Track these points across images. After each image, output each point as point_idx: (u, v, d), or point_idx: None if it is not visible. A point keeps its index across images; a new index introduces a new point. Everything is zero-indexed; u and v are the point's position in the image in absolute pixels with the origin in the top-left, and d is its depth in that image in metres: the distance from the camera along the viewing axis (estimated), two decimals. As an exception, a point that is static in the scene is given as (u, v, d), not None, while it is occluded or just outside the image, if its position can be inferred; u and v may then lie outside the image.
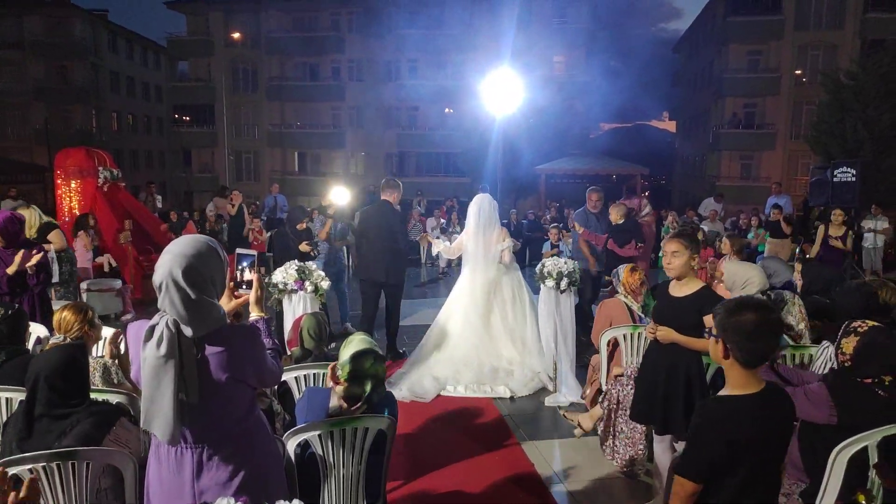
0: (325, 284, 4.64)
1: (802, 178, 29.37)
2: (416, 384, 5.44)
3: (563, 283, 5.06)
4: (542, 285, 5.23)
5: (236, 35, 34.82)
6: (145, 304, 9.33)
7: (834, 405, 2.63)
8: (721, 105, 31.99)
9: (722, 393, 2.06)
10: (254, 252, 2.30)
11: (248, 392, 2.02)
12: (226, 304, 2.17)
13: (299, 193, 33.77)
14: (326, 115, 35.76)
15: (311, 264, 4.74)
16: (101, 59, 38.96)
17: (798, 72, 30.41)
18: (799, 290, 4.31)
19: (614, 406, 3.99)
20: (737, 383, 2.00)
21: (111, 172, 10.71)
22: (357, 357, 2.55)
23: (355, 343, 2.63)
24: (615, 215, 6.90)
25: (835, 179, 9.65)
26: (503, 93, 16.54)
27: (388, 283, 6.25)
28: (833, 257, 8.68)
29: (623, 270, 4.33)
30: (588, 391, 4.48)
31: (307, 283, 4.51)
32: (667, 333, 3.25)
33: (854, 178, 9.38)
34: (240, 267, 2.26)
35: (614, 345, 4.23)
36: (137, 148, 43.08)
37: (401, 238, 6.35)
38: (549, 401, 5.18)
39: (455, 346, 5.78)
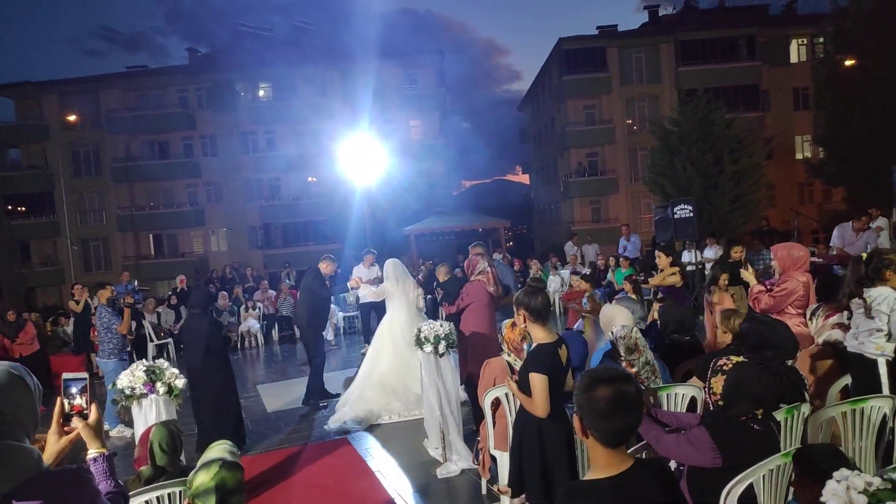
0: (181, 383, 4.16)
1: (646, 215, 32.12)
2: (354, 414, 6.51)
3: (442, 347, 4.96)
4: (420, 352, 5.07)
5: (73, 118, 32.63)
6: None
7: (716, 447, 2.65)
8: (566, 156, 34.38)
9: (586, 476, 1.89)
10: (84, 375, 1.93)
11: None
12: (54, 443, 1.80)
13: (157, 278, 31.65)
14: (181, 194, 34.15)
15: (163, 362, 4.25)
16: None
17: (629, 121, 33.57)
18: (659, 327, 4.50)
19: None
20: (598, 464, 1.83)
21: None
22: (200, 471, 2.23)
23: (205, 457, 2.32)
24: (440, 275, 7.14)
25: (675, 216, 10.52)
26: (363, 158, 16.71)
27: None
28: (675, 294, 9.30)
29: (504, 327, 4.28)
30: (481, 456, 4.31)
31: (158, 385, 4.03)
32: (511, 385, 3.34)
33: (691, 214, 10.27)
34: (68, 394, 1.88)
35: (498, 405, 4.14)
36: (-38, 245, 38.60)
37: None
38: (440, 472, 4.97)
39: (386, 376, 6.80)
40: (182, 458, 3.18)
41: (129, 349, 7.45)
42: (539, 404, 3.05)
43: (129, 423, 5.71)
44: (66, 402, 1.85)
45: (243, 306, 13.41)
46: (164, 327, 12.48)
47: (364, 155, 16.67)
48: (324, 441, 6.27)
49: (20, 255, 35.28)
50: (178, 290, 13.54)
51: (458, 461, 4.98)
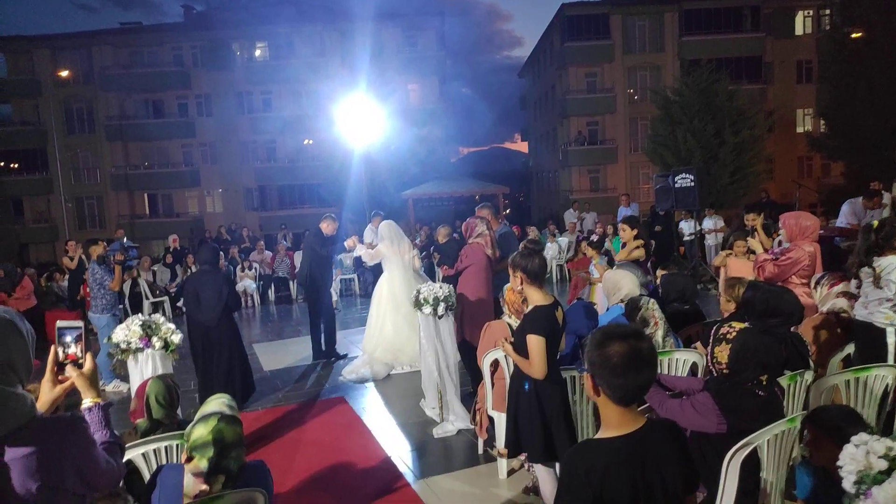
0: (177, 338, 4.11)
1: (644, 185, 32.04)
2: (368, 371, 6.85)
3: (441, 308, 4.91)
4: (419, 313, 5.03)
5: (65, 74, 32.01)
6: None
7: (721, 413, 2.63)
8: (566, 124, 34.06)
9: (598, 434, 1.82)
10: (79, 323, 1.86)
11: (74, 502, 1.61)
12: (48, 392, 1.74)
13: (151, 237, 31.47)
14: (176, 153, 33.76)
15: (159, 317, 4.20)
16: None
17: (630, 91, 33.18)
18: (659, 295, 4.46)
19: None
20: (611, 422, 1.77)
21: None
22: (198, 424, 2.18)
23: (203, 410, 2.27)
24: (440, 236, 7.11)
25: (676, 185, 10.43)
26: (361, 120, 16.47)
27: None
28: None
29: (506, 289, 4.22)
30: (478, 417, 4.30)
31: (154, 339, 3.97)
32: (506, 347, 3.30)
33: (693, 183, 10.18)
34: (62, 342, 1.81)
35: (497, 366, 4.11)
36: (-47, 200, 38.28)
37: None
38: (437, 432, 4.97)
39: (392, 341, 7.03)
40: (178, 412, 3.14)
41: (121, 305, 7.38)
42: (536, 366, 3.01)
43: (125, 378, 5.68)
44: (60, 350, 1.79)
45: (239, 266, 13.34)
46: (159, 285, 12.43)
47: (362, 117, 16.44)
48: (320, 399, 6.27)
49: (13, 211, 35.05)
50: (171, 250, 13.45)
51: (454, 421, 4.97)
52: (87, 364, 1.80)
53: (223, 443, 2.16)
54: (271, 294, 13.62)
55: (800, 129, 32.98)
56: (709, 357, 2.80)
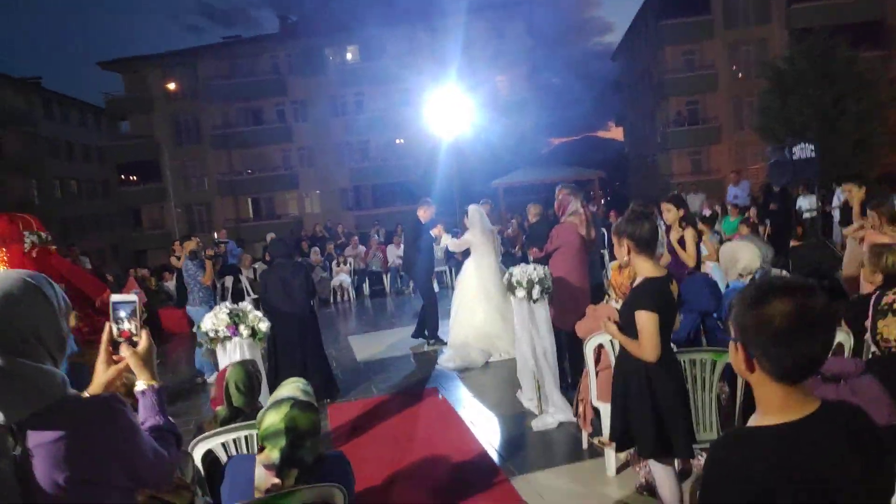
0: (264, 326, 4.02)
1: (752, 166, 29.91)
2: (465, 358, 6.62)
3: (536, 292, 4.54)
4: (512, 297, 4.70)
5: (172, 86, 34.08)
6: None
7: (892, 401, 2.13)
8: (665, 105, 32.47)
9: (751, 422, 1.38)
10: (133, 297, 1.67)
11: (116, 497, 1.39)
12: (101, 373, 1.57)
13: (255, 239, 32.88)
14: (276, 158, 35.19)
15: (246, 305, 4.12)
16: (36, 126, 37.80)
17: (733, 67, 31.09)
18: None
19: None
20: (770, 406, 1.33)
21: (39, 236, 9.83)
22: (269, 411, 1.98)
23: (275, 396, 2.06)
24: (530, 215, 6.63)
25: (794, 157, 9.47)
26: (450, 113, 16.32)
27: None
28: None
29: (612, 269, 3.82)
30: (581, 409, 3.91)
31: (242, 327, 3.89)
32: (608, 327, 2.89)
33: (814, 154, 9.20)
34: (116, 317, 1.63)
35: (600, 353, 3.72)
36: (83, 213, 41.77)
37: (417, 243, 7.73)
38: (536, 424, 4.62)
39: (482, 328, 6.83)
40: (260, 401, 3.00)
41: (225, 301, 7.54)
42: (648, 347, 2.62)
43: (217, 367, 5.72)
44: (114, 326, 1.61)
45: (335, 261, 13.52)
46: (259, 283, 12.78)
47: (451, 109, 16.30)
48: (414, 390, 6.09)
49: (132, 220, 37.83)
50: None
51: (554, 413, 4.61)
52: (143, 342, 1.61)
53: (296, 431, 1.95)
54: (366, 288, 13.71)
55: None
56: (871, 334, 2.30)
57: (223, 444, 2.65)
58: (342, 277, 13.08)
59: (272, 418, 1.96)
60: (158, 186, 35.49)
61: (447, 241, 7.80)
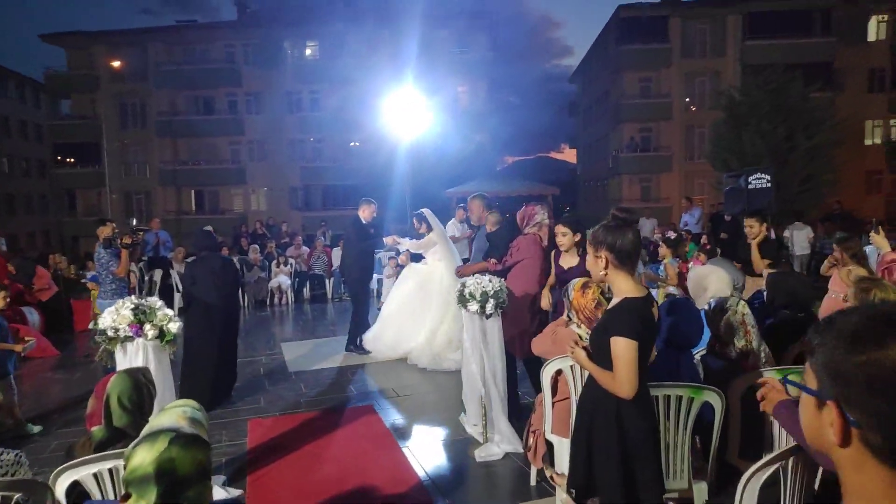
0: (175, 327, 3.44)
1: (699, 197, 30.56)
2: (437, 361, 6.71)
3: (490, 306, 4.12)
4: (463, 311, 4.26)
5: (119, 66, 32.46)
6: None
7: None
8: (619, 130, 32.89)
9: None
10: None
11: None
12: None
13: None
14: (224, 151, 33.95)
15: (156, 300, 3.54)
16: (-33, 97, 35.60)
17: (687, 99, 31.78)
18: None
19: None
20: (872, 495, 0.85)
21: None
22: (140, 446, 1.47)
23: (152, 425, 1.56)
24: (488, 224, 6.04)
25: (749, 186, 9.42)
26: (408, 115, 15.91)
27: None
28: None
29: (573, 289, 3.37)
30: (532, 441, 3.49)
31: (147, 327, 3.32)
32: (576, 354, 2.47)
33: (769, 184, 9.16)
34: None
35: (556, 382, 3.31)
36: (15, 192, 39.48)
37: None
38: (479, 454, 4.18)
39: (449, 334, 6.85)
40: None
41: (130, 293, 6.83)
42: (625, 380, 2.23)
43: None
44: None
45: (275, 262, 12.84)
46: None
47: (409, 112, 15.90)
48: (347, 407, 5.57)
49: (68, 204, 35.85)
50: (208, 242, 13.03)
51: (500, 443, 4.18)
52: None
53: (174, 477, 1.44)
54: (306, 291, 13.07)
55: (868, 142, 31.03)
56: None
57: (96, 475, 2.10)
58: (281, 279, 12.40)
59: (142, 457, 1.46)
60: (97, 170, 33.76)
61: (407, 244, 7.56)
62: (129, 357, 3.28)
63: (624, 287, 2.34)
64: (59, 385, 6.88)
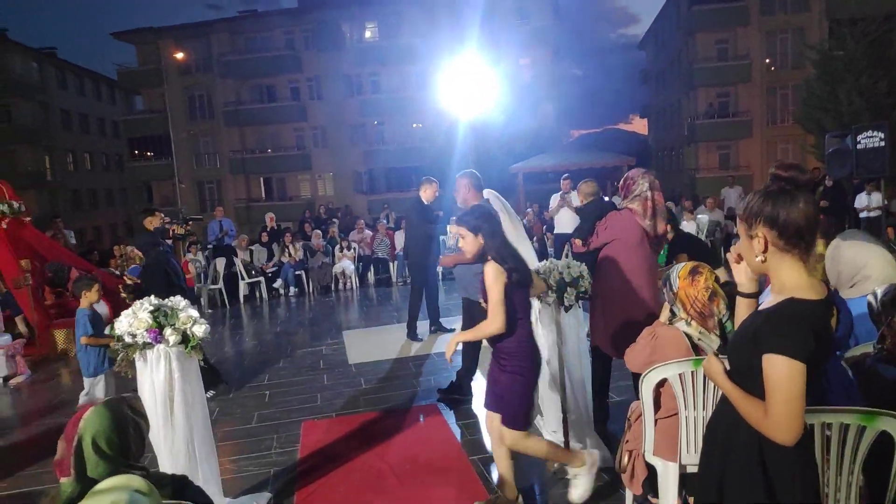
0: (200, 330, 2.98)
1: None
2: None
3: (569, 296, 3.46)
4: (537, 301, 3.62)
5: (185, 59, 33.08)
6: (49, 362, 7.62)
7: None
8: (693, 96, 31.08)
9: None
10: None
11: None
12: None
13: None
14: (289, 137, 34.27)
15: (179, 300, 3.09)
16: (50, 97, 37.24)
17: (767, 60, 29.58)
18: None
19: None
20: None
21: (10, 206, 8.95)
22: None
23: None
24: (581, 194, 5.36)
25: (859, 146, 8.29)
26: (470, 91, 15.23)
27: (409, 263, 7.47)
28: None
29: (677, 274, 2.66)
30: (625, 458, 2.85)
31: (167, 332, 2.87)
32: (711, 367, 1.80)
33: (884, 143, 8.01)
34: None
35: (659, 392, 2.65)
36: (96, 186, 41.40)
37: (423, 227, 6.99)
38: (562, 469, 3.56)
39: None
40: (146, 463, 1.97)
41: (191, 283, 6.50)
42: (783, 418, 1.53)
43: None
44: None
45: (338, 246, 12.53)
46: (255, 265, 11.83)
47: (471, 88, 15.21)
48: (410, 407, 5.06)
49: (146, 196, 37.18)
50: (268, 229, 12.85)
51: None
52: None
53: None
54: (371, 276, 12.72)
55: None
56: None
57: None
58: (345, 264, 12.08)
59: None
60: (169, 162, 34.74)
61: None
62: (151, 366, 2.84)
63: (790, 280, 1.64)
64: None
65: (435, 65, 25.50)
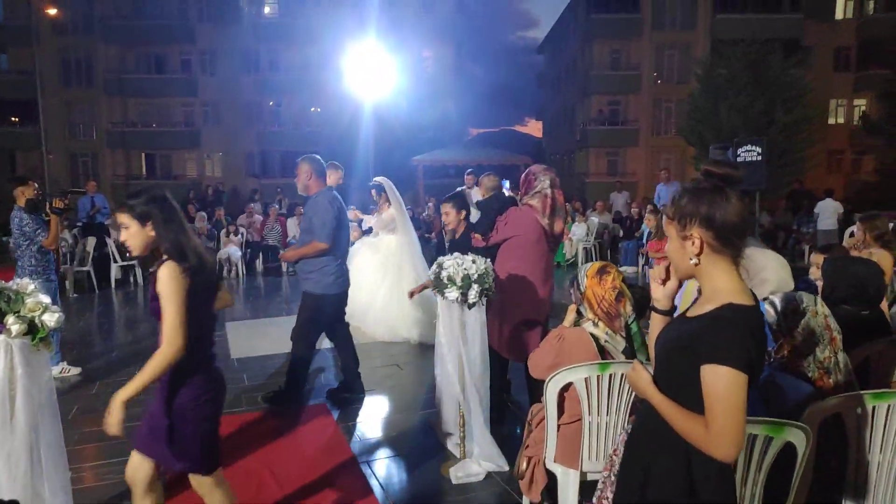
0: (52, 319, 2.54)
1: (663, 171, 30.22)
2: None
3: (473, 293, 3.29)
4: (439, 298, 3.45)
5: (53, 11, 29.87)
6: None
7: None
8: (587, 103, 32.28)
9: None
10: None
11: None
12: None
13: (145, 199, 29.91)
14: (177, 112, 32.19)
15: (28, 282, 2.62)
16: None
17: (655, 73, 31.29)
18: (819, 293, 2.86)
19: None
20: None
21: None
22: None
23: None
24: (482, 188, 5.22)
25: (738, 159, 8.82)
26: (371, 78, 14.89)
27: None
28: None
29: (585, 273, 2.60)
30: (524, 464, 2.75)
31: (10, 319, 2.41)
32: (637, 377, 1.66)
33: (760, 157, 8.58)
34: None
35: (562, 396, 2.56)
36: (-53, 152, 36.94)
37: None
38: (456, 472, 3.42)
39: (384, 309, 6.70)
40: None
41: (55, 267, 5.75)
42: (727, 432, 1.42)
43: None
44: None
45: (224, 231, 11.82)
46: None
47: (372, 74, 14.87)
48: (297, 406, 4.75)
49: (9, 166, 33.55)
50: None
51: (480, 459, 3.45)
52: None
53: None
54: (259, 264, 12.11)
55: (831, 121, 31.09)
56: None
57: None
58: (231, 250, 11.40)
59: None
60: (37, 130, 31.53)
61: (370, 221, 7.16)
62: (-12, 363, 2.39)
63: (726, 284, 1.54)
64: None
65: (337, 47, 24.81)
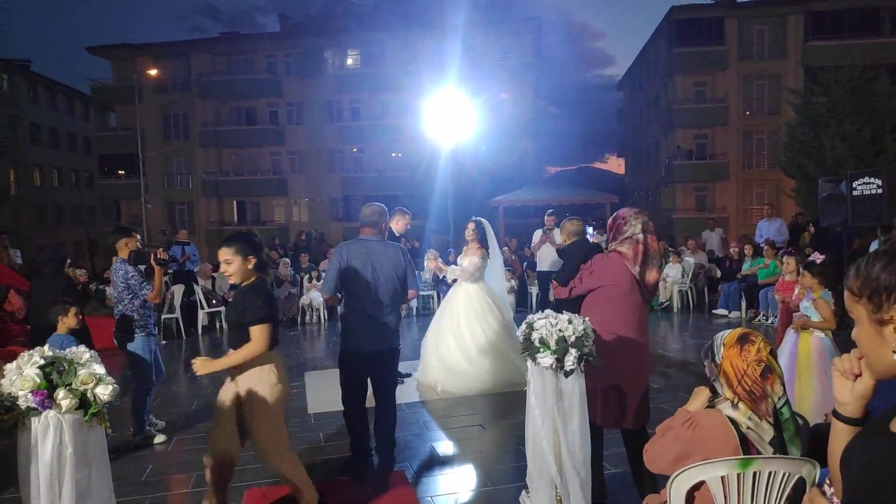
0: (106, 393, 2.32)
1: (756, 206, 28.60)
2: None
3: (571, 359, 2.86)
4: (530, 363, 3.04)
5: (162, 77, 32.35)
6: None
7: None
8: (671, 137, 31.23)
9: None
10: None
11: None
12: None
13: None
14: (265, 161, 33.67)
15: (82, 350, 2.43)
16: (20, 110, 36.17)
17: (744, 104, 29.97)
18: None
19: None
20: None
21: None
22: None
23: None
24: (563, 233, 4.90)
25: (854, 193, 7.96)
26: (450, 123, 14.86)
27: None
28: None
29: (722, 341, 2.11)
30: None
31: (60, 393, 2.21)
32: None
33: (881, 190, 7.69)
34: None
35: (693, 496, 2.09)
36: (62, 203, 40.20)
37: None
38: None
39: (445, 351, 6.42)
40: None
41: (154, 320, 5.47)
42: None
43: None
44: None
45: (307, 276, 11.85)
46: (217, 294, 11.08)
47: (451, 118, 14.84)
48: (370, 473, 4.40)
49: (115, 215, 36.00)
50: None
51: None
52: None
53: None
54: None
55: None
56: None
57: None
58: (313, 295, 11.39)
59: None
60: (139, 181, 33.75)
61: (455, 273, 6.76)
62: (36, 439, 2.19)
63: None
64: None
65: (416, 94, 25.24)
